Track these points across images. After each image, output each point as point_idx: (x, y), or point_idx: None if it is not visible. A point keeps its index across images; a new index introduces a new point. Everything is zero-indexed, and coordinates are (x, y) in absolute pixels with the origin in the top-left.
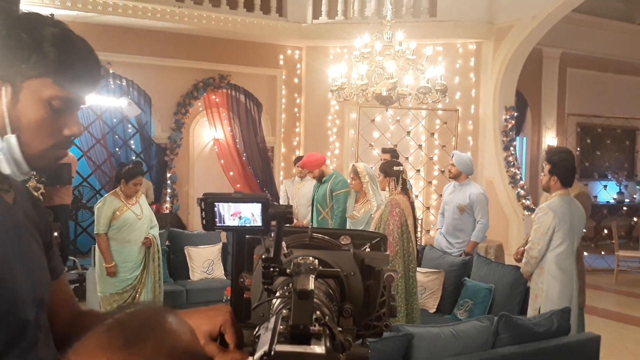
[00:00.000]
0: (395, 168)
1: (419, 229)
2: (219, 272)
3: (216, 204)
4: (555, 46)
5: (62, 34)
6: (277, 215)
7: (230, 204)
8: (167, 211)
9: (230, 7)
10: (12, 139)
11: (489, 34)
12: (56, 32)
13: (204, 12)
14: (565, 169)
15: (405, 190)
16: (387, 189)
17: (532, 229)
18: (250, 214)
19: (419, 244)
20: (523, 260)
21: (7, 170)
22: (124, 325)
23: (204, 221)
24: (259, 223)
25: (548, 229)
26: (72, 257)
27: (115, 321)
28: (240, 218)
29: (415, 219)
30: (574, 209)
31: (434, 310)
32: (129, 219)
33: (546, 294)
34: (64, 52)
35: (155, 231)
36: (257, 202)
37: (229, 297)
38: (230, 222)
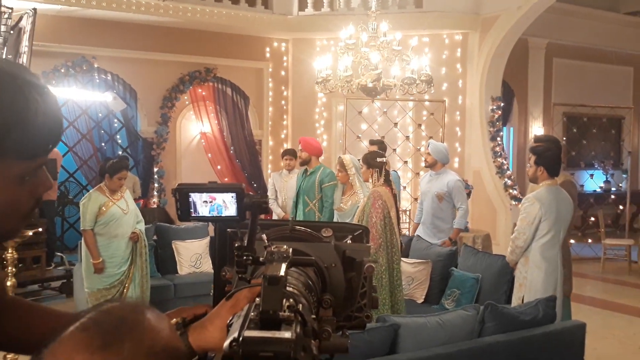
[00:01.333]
0: (379, 159)
1: (406, 220)
2: (207, 266)
3: (190, 194)
4: (541, 36)
5: (14, 98)
6: (252, 205)
7: (204, 194)
8: (155, 206)
9: (215, 0)
10: None
11: (475, 25)
12: (7, 100)
13: (189, 5)
14: (550, 158)
15: (388, 181)
16: (370, 180)
17: (519, 218)
18: (222, 201)
19: (406, 234)
20: (508, 250)
21: None
22: (101, 325)
23: (179, 212)
24: (232, 212)
25: (534, 219)
26: (59, 253)
27: (91, 320)
28: (212, 203)
29: (398, 210)
30: (561, 198)
31: (422, 300)
32: (115, 214)
33: (530, 283)
34: (23, 123)
35: (142, 226)
36: (231, 191)
37: None
38: (204, 211)
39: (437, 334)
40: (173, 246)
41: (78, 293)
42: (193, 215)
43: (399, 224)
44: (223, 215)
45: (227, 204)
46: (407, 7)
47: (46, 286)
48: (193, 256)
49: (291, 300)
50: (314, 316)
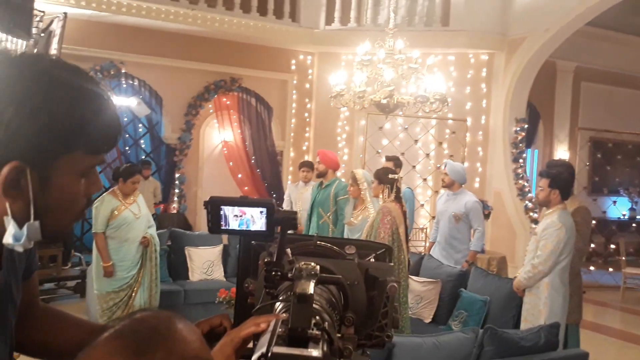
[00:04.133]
0: (390, 176)
1: (423, 238)
2: (218, 273)
3: (222, 207)
4: (569, 59)
5: (92, 97)
6: (282, 220)
7: (235, 207)
8: (175, 211)
9: (243, 11)
10: (34, 225)
11: (502, 46)
12: (86, 99)
13: (217, 15)
14: (565, 181)
15: (399, 198)
16: (380, 196)
17: (541, 244)
18: (250, 216)
19: (421, 252)
20: (524, 275)
21: (19, 249)
22: (135, 333)
23: (210, 224)
24: (261, 227)
25: (559, 244)
26: (77, 254)
27: (126, 328)
28: (241, 217)
29: (406, 227)
30: (573, 223)
31: (430, 320)
32: (127, 218)
33: (550, 309)
34: (96, 120)
35: (153, 230)
36: (262, 206)
37: (221, 299)
38: (234, 225)
39: (433, 355)
40: (186, 252)
41: (90, 294)
42: (223, 227)
43: (407, 241)
44: (251, 229)
45: (254, 219)
46: (434, 25)
47: (62, 285)
48: (205, 263)
49: (317, 317)
50: (339, 335)
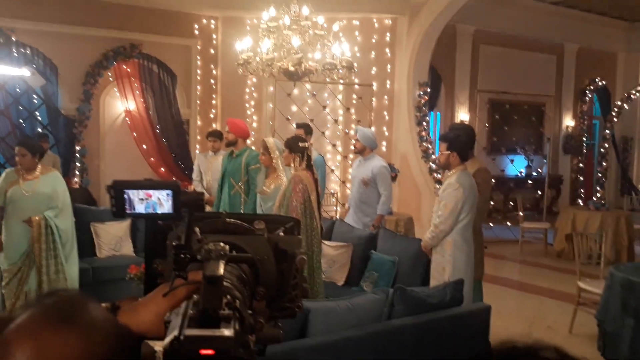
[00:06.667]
0: (301, 144)
1: (333, 202)
2: (127, 249)
3: (126, 190)
4: (468, 23)
5: None
6: (189, 202)
7: (140, 190)
8: (77, 186)
9: None
10: None
11: (404, 9)
12: None
13: None
14: (463, 144)
15: (310, 166)
16: (291, 164)
17: (442, 204)
18: (157, 199)
19: (334, 217)
20: (428, 235)
21: None
22: (55, 304)
23: (114, 208)
24: (168, 210)
25: (457, 203)
26: None
27: (46, 302)
28: (147, 200)
29: (318, 195)
30: (473, 183)
31: (343, 282)
32: (14, 195)
33: (453, 266)
34: None
35: (52, 212)
36: (168, 188)
37: (132, 275)
38: (140, 208)
39: (347, 317)
40: (91, 228)
41: None
42: (129, 212)
43: (319, 208)
44: (158, 212)
45: (162, 201)
46: None
47: None
48: (113, 239)
49: (229, 296)
50: (250, 311)
